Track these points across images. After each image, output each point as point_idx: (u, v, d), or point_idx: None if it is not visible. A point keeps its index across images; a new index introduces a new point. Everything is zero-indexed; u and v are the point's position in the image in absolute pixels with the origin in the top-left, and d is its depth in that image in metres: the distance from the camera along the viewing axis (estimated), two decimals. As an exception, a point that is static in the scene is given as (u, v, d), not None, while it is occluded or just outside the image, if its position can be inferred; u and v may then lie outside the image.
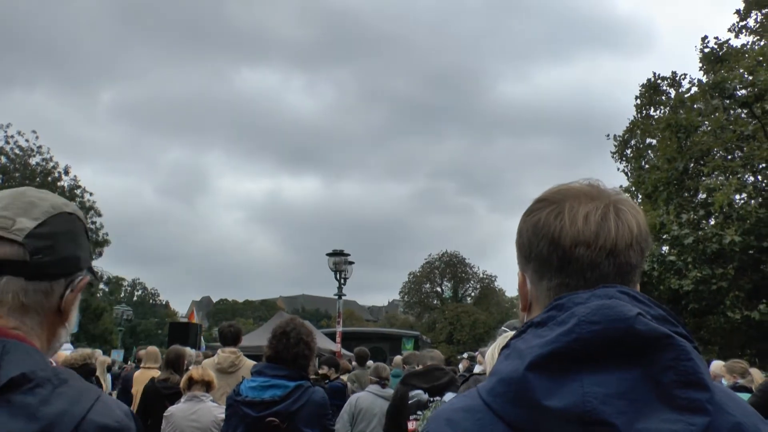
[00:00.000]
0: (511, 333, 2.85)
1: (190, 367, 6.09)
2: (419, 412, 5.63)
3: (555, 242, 1.12)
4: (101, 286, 59.26)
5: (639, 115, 28.57)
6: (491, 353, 3.03)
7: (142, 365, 8.27)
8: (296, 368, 3.88)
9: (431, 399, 5.67)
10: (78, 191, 42.32)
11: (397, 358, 10.88)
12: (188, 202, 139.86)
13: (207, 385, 5.35)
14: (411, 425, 5.64)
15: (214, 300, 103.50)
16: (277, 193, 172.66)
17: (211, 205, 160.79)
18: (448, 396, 5.42)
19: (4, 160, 39.98)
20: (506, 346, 1.09)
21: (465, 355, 13.44)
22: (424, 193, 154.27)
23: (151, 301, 78.49)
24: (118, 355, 23.12)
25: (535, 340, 1.02)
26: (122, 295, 68.46)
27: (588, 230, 1.10)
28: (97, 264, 46.75)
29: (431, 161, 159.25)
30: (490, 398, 1.03)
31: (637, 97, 28.47)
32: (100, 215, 43.72)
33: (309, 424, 3.74)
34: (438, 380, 5.85)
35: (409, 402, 5.76)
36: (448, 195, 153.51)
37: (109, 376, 11.36)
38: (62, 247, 1.22)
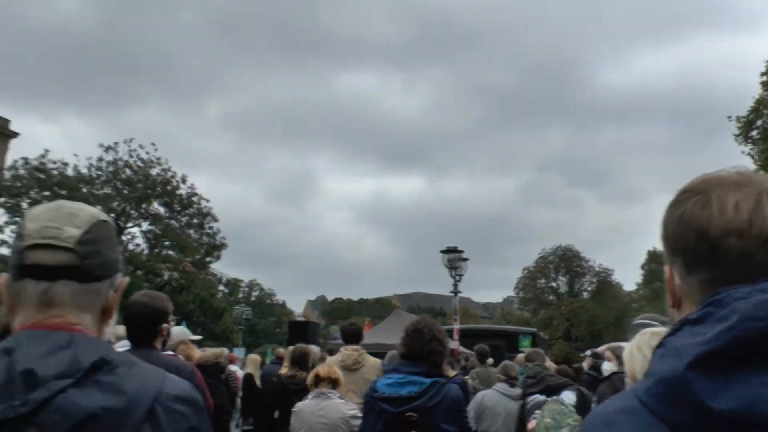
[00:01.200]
0: (650, 330, 2.67)
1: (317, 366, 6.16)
2: (536, 412, 5.56)
3: (703, 233, 1.06)
4: (220, 287, 61.65)
5: (766, 94, 26.92)
6: (630, 352, 2.84)
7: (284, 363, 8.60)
8: (430, 365, 3.88)
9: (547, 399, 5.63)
10: (195, 198, 44.22)
11: (519, 357, 10.64)
12: (297, 205, 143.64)
13: (333, 383, 5.40)
14: (530, 424, 5.57)
15: (329, 299, 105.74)
16: (382, 193, 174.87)
17: (319, 207, 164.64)
18: (566, 394, 5.54)
19: (129, 172, 42.26)
20: (660, 345, 1.03)
21: (588, 353, 12.96)
22: (530, 187, 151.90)
23: (267, 300, 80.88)
24: (239, 353, 24.04)
25: (693, 338, 0.96)
26: (240, 295, 70.90)
27: (739, 219, 1.04)
28: (216, 266, 48.72)
29: (535, 154, 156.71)
30: (648, 399, 0.97)
31: (763, 74, 26.82)
32: (216, 220, 45.52)
33: (446, 420, 3.73)
34: (551, 383, 5.95)
35: (527, 407, 5.80)
36: (555, 187, 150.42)
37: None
38: (105, 251, 1.35)
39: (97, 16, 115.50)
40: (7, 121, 42.34)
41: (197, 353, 6.86)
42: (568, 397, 5.47)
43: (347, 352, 6.45)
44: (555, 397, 5.38)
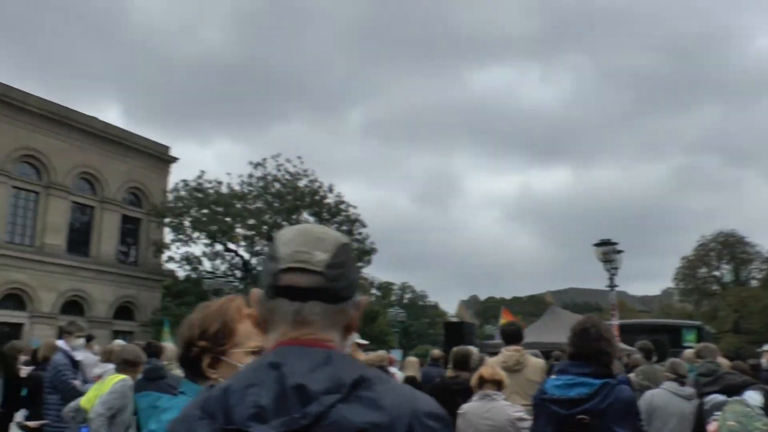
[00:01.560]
0: None
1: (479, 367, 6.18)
2: (716, 413, 5.25)
3: None
4: (373, 291, 62.95)
5: None
6: None
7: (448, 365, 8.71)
8: (599, 365, 3.78)
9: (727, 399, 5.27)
10: (342, 206, 45.53)
11: (688, 352, 10.12)
12: (442, 206, 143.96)
13: (498, 384, 5.39)
14: (711, 427, 5.28)
15: (482, 298, 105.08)
16: (527, 188, 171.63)
17: (465, 207, 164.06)
18: (749, 394, 5.18)
19: (278, 186, 44.22)
20: None
21: (766, 347, 12.10)
22: (683, 171, 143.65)
23: (420, 302, 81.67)
24: (396, 355, 24.38)
25: None
26: (393, 298, 72.11)
27: None
28: (367, 271, 49.84)
29: (686, 135, 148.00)
30: None
31: None
32: (365, 226, 46.64)
33: (619, 422, 3.62)
34: (731, 381, 5.57)
35: (705, 408, 5.45)
36: (710, 169, 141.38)
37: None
38: (349, 273, 1.43)
39: (237, 42, 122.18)
40: (167, 147, 45.62)
41: (363, 356, 7.11)
42: (753, 397, 5.10)
43: (508, 353, 6.42)
44: (737, 398, 5.08)
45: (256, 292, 1.43)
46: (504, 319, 18.21)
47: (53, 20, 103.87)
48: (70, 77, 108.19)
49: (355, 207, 46.27)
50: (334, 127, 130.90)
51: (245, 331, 1.98)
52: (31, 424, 7.63)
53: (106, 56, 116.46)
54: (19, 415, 8.94)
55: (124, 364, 6.10)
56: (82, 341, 8.22)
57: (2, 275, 34.94)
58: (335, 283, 1.38)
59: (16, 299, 36.08)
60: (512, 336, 6.65)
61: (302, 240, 1.41)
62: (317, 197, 44.50)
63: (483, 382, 5.40)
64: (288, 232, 1.45)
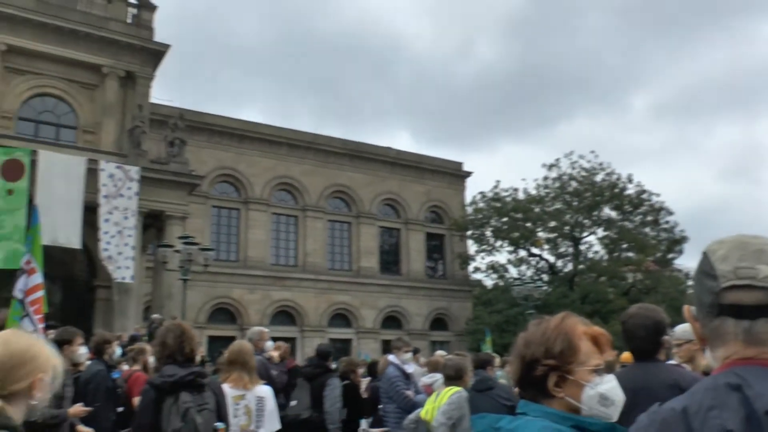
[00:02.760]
0: None
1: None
2: None
3: None
4: (689, 283, 58.46)
5: None
6: None
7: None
8: None
9: None
10: (645, 195, 43.16)
11: None
12: (753, 181, 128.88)
13: None
14: None
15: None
16: None
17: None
18: None
19: (574, 184, 43.34)
20: None
21: None
22: None
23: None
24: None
25: None
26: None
27: None
28: (680, 262, 46.50)
29: None
30: None
31: None
32: (671, 214, 43.74)
33: None
34: None
35: None
36: None
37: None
38: None
39: (510, 53, 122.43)
40: (460, 164, 47.27)
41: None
42: None
43: None
44: None
45: (689, 308, 1.40)
46: None
47: (338, 66, 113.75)
48: (361, 115, 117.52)
49: (658, 195, 43.65)
50: (619, 116, 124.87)
51: (587, 349, 1.93)
52: (375, 431, 8.32)
53: (390, 90, 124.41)
54: (363, 423, 9.85)
55: (454, 377, 6.39)
56: (409, 355, 8.81)
57: (329, 298, 39.20)
58: None
59: (342, 318, 40.07)
60: None
61: (741, 254, 1.32)
62: (617, 190, 42.76)
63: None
64: (721, 247, 1.36)
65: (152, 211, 26.04)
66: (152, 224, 27.34)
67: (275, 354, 9.00)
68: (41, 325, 6.22)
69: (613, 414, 1.93)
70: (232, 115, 39.07)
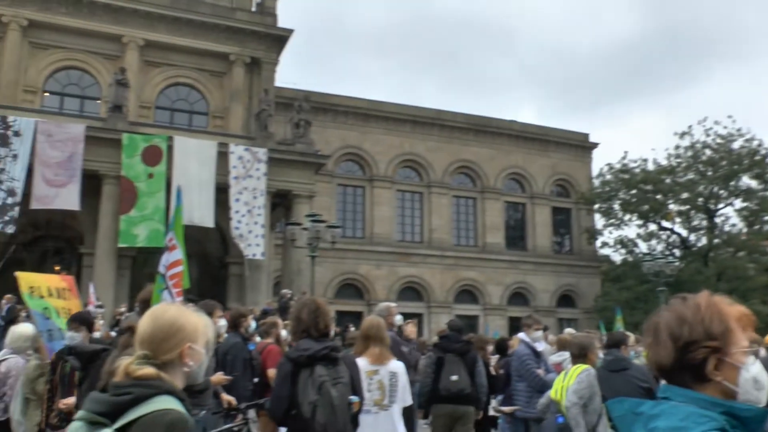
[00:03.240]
0: None
1: None
2: None
3: None
4: None
5: None
6: None
7: None
8: None
9: None
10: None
11: None
12: None
13: None
14: None
15: None
16: None
17: None
18: None
19: (709, 152, 40.95)
20: None
21: None
22: None
23: None
24: None
25: None
26: None
27: None
28: None
29: None
30: None
31: None
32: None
33: None
34: None
35: None
36: None
37: None
38: None
39: (636, 19, 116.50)
40: (586, 135, 45.74)
41: None
42: None
43: None
44: None
45: None
46: None
47: (461, 40, 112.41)
48: (485, 89, 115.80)
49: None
50: (758, 78, 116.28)
51: (738, 330, 1.79)
52: (505, 409, 8.23)
53: (513, 62, 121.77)
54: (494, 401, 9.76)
55: (578, 354, 6.19)
56: (540, 333, 8.63)
57: (455, 274, 39.20)
58: None
59: (469, 294, 39.98)
60: None
61: None
62: (758, 157, 39.99)
63: None
64: None
65: (280, 190, 26.88)
66: (280, 203, 28.26)
67: (413, 330, 9.05)
68: (179, 299, 6.53)
69: (763, 398, 1.81)
70: (356, 95, 39.42)
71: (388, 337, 5.98)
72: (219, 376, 6.73)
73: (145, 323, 2.27)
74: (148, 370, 2.13)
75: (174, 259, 6.55)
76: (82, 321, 6.53)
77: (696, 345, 1.77)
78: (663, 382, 1.85)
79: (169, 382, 2.16)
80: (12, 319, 15.25)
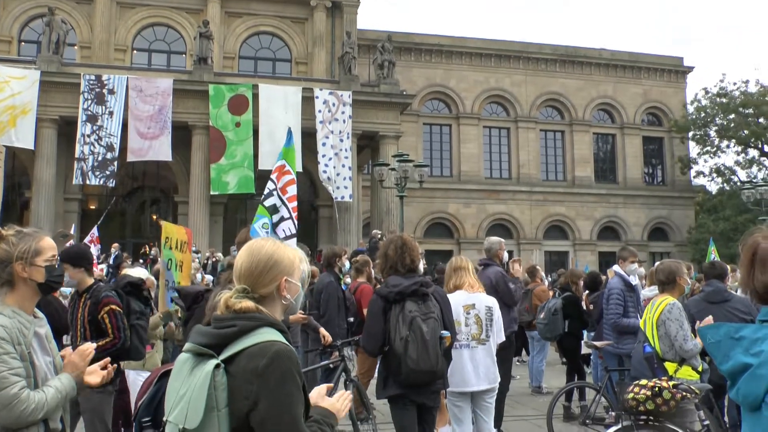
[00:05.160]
0: None
1: None
2: None
3: None
4: None
5: None
6: None
7: None
8: None
9: None
10: None
11: None
12: None
13: None
14: None
15: None
16: None
17: None
18: None
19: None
20: None
21: None
22: None
23: None
24: None
25: None
26: None
27: None
28: None
29: None
30: None
31: None
32: None
33: None
34: None
35: None
36: None
37: None
38: None
39: None
40: (680, 59, 43.50)
41: None
42: None
43: None
44: None
45: None
46: None
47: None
48: (571, 18, 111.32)
49: None
50: None
51: None
52: (598, 344, 8.20)
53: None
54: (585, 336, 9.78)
55: (666, 281, 5.99)
56: (635, 265, 8.48)
57: (544, 209, 38.71)
58: None
59: (559, 230, 39.46)
60: None
61: None
62: None
63: None
64: None
65: (366, 132, 27.04)
66: (367, 145, 28.47)
67: (518, 269, 9.03)
68: (295, 215, 7.13)
69: None
70: (439, 32, 38.78)
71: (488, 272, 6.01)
72: (297, 316, 6.70)
73: (242, 258, 2.31)
74: (248, 303, 2.19)
75: (289, 179, 7.09)
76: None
77: None
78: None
79: (269, 314, 2.22)
80: (118, 265, 16.26)
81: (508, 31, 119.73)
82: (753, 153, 40.59)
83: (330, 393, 2.45)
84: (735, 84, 40.34)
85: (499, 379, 5.77)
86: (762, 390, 1.67)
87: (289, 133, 7.60)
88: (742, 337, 1.76)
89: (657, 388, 4.84)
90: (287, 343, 2.16)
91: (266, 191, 7.25)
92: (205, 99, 24.66)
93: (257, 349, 2.08)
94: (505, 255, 8.64)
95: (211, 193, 24.85)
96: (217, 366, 2.06)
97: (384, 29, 34.86)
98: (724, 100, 39.84)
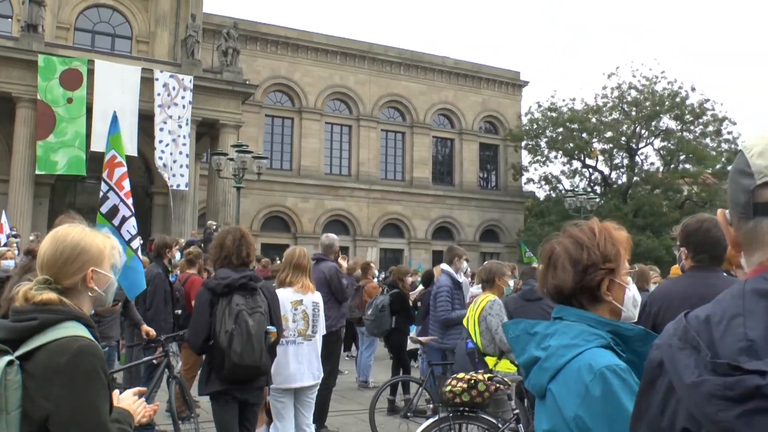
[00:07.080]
0: None
1: None
2: None
3: None
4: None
5: None
6: None
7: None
8: None
9: None
10: (708, 104, 41.52)
11: None
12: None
13: None
14: None
15: None
16: None
17: None
18: None
19: (634, 93, 42.01)
20: None
21: None
22: None
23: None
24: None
25: None
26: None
27: None
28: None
29: None
30: None
31: None
32: (734, 123, 42.33)
33: None
34: None
35: None
36: None
37: None
38: None
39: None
40: (517, 73, 46.03)
41: None
42: None
43: None
44: None
45: (723, 212, 1.25)
46: None
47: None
48: (417, 24, 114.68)
49: (722, 104, 42.02)
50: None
51: (624, 252, 1.93)
52: (422, 339, 8.50)
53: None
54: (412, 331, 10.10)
55: (486, 280, 6.53)
56: (465, 264, 8.86)
57: (381, 207, 39.56)
58: None
59: (395, 228, 40.52)
60: None
61: None
62: (678, 99, 41.26)
63: None
64: (759, 142, 1.18)
65: (206, 119, 26.32)
66: (206, 133, 27.71)
67: (344, 264, 9.14)
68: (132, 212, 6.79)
69: (636, 315, 1.96)
70: (286, 24, 38.41)
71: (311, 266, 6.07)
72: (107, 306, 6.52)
73: (46, 246, 2.14)
74: (49, 295, 2.02)
75: (122, 173, 6.70)
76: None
77: (594, 268, 1.89)
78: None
79: (74, 307, 2.06)
80: None
81: (356, 30, 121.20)
82: (576, 164, 43.78)
83: (148, 394, 2.31)
84: (564, 101, 43.35)
85: (322, 375, 5.86)
86: (545, 380, 1.81)
87: (114, 117, 7.14)
88: (536, 333, 1.90)
89: (473, 381, 5.16)
90: (93, 339, 2.02)
91: (101, 195, 6.79)
92: (34, 70, 22.84)
93: (59, 344, 1.92)
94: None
95: (37, 172, 23.06)
96: (10, 363, 1.87)
97: (231, 15, 34.13)
98: (554, 115, 42.69)
